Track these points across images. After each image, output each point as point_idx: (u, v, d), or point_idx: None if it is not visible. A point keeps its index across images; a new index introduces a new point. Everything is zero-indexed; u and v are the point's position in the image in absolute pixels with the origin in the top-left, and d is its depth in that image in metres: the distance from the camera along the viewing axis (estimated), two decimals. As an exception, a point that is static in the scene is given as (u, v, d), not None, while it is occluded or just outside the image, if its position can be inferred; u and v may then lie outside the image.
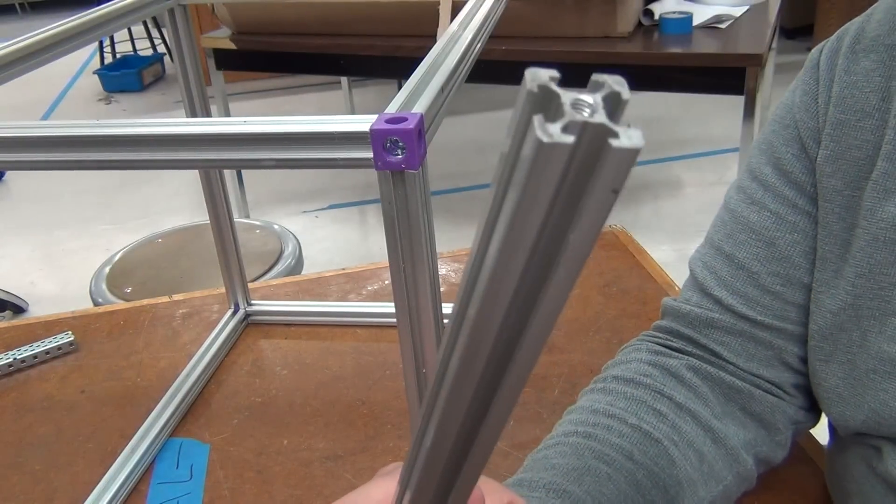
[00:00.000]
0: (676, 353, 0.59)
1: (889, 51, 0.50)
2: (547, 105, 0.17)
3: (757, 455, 0.56)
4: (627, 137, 0.16)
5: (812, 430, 0.63)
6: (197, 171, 0.79)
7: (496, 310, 0.20)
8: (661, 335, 0.61)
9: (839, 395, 0.51)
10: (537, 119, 0.16)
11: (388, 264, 0.41)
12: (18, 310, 2.55)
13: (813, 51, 0.56)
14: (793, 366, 0.56)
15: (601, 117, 0.17)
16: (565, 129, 0.16)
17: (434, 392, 0.23)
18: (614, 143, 0.16)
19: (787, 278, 0.55)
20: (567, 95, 0.17)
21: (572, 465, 0.50)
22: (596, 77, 0.18)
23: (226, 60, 2.53)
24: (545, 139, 0.16)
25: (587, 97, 0.17)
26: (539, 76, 0.17)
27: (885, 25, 0.50)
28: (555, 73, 0.17)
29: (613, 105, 0.17)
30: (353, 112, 3.67)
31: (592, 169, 0.17)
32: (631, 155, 0.16)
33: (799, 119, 0.54)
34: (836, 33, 0.54)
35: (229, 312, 0.91)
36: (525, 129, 0.17)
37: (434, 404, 0.23)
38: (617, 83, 0.17)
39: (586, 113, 0.17)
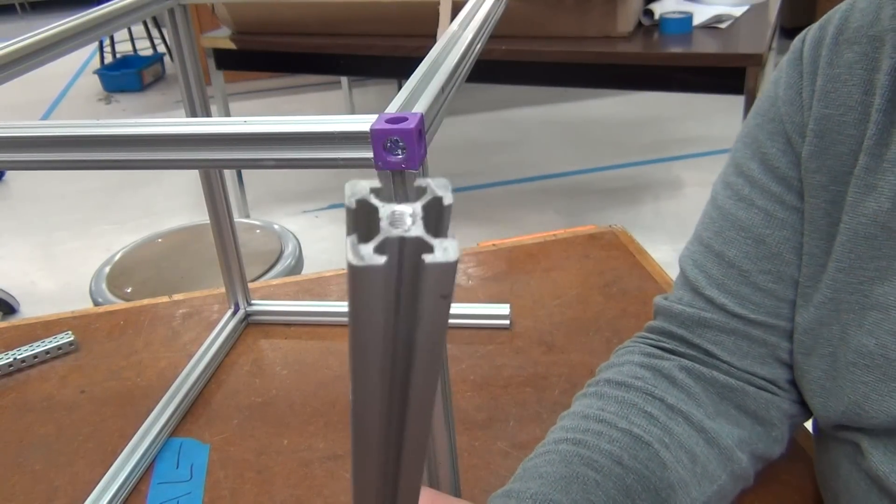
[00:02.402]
0: (669, 355, 0.59)
1: (872, 42, 0.49)
2: (368, 219, 0.17)
3: (753, 452, 0.56)
4: (442, 251, 0.16)
5: (810, 427, 0.63)
6: (197, 171, 0.79)
7: (370, 410, 0.20)
8: (653, 336, 0.61)
9: (821, 386, 0.52)
10: (349, 241, 0.16)
11: (388, 264, 0.41)
12: (10, 309, 2.55)
13: (796, 40, 0.55)
14: (786, 362, 0.56)
15: (418, 230, 0.16)
16: (379, 249, 0.16)
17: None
18: (427, 258, 0.16)
19: (779, 275, 0.55)
20: (385, 209, 0.16)
21: (560, 474, 0.49)
22: (420, 182, 0.17)
23: (226, 60, 2.53)
24: (356, 262, 0.15)
25: (406, 207, 0.17)
26: (358, 189, 0.17)
27: (868, 15, 0.50)
28: (375, 183, 0.17)
29: (436, 212, 0.17)
30: (353, 112, 3.67)
31: (419, 277, 0.17)
32: (447, 268, 0.16)
33: (784, 113, 0.54)
34: (819, 21, 0.54)
35: (229, 312, 0.91)
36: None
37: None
38: (440, 187, 0.17)
39: (407, 224, 0.17)
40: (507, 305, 0.89)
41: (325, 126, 0.38)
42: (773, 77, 0.57)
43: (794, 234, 0.54)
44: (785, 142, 0.54)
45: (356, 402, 0.20)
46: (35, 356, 0.87)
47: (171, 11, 0.73)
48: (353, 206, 0.17)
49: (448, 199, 0.17)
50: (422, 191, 0.17)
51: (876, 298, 0.48)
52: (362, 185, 0.17)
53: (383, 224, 0.16)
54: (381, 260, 0.16)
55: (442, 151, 3.39)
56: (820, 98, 0.51)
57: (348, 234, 0.16)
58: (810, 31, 0.54)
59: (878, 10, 0.49)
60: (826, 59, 0.51)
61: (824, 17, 0.53)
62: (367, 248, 0.16)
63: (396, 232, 0.16)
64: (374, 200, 0.17)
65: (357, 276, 0.16)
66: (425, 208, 0.17)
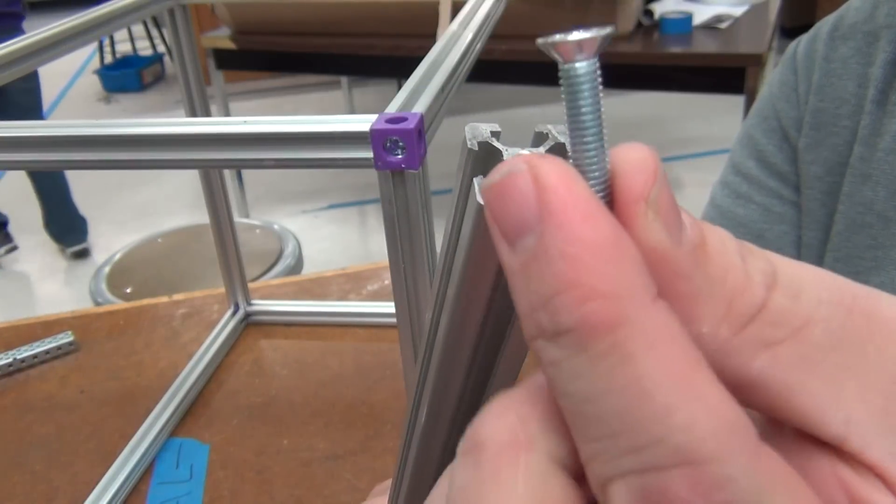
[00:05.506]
0: None
1: (866, 38, 0.50)
2: (489, 163, 0.17)
3: None
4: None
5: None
6: (197, 171, 0.79)
7: (455, 371, 0.20)
8: None
9: None
10: (477, 181, 0.16)
11: (388, 264, 0.41)
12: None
13: (790, 44, 0.57)
14: None
15: None
16: None
17: (420, 385, 0.23)
18: None
19: None
20: (509, 152, 0.17)
21: None
22: (539, 128, 0.17)
23: (226, 60, 2.53)
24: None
25: (530, 152, 0.17)
26: (479, 132, 0.17)
27: (862, 13, 0.51)
28: (495, 127, 0.17)
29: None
30: (353, 112, 3.67)
31: None
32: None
33: (780, 109, 0.55)
34: (813, 27, 0.55)
35: (229, 312, 0.91)
36: (467, 193, 0.17)
37: (421, 397, 0.23)
38: (561, 133, 0.17)
39: None
40: (507, 305, 0.89)
41: (325, 126, 0.39)
42: (768, 80, 0.58)
43: (793, 228, 0.55)
44: (781, 137, 0.55)
45: (444, 363, 0.20)
46: (35, 356, 0.87)
47: (171, 11, 0.73)
48: (476, 147, 0.17)
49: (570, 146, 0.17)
50: (543, 137, 0.17)
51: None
52: (483, 128, 0.17)
53: None
54: None
55: (442, 151, 3.39)
56: (815, 92, 0.53)
57: (474, 175, 0.16)
58: (804, 36, 0.56)
59: (874, 9, 0.51)
60: (822, 55, 0.53)
61: (818, 23, 0.55)
62: None
63: None
64: (497, 143, 0.17)
65: (483, 219, 0.16)
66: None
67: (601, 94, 0.15)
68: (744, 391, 0.14)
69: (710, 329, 0.14)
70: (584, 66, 0.15)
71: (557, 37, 0.14)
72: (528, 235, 0.13)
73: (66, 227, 2.85)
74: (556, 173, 0.14)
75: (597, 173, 0.15)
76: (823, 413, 0.14)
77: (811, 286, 0.15)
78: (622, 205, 0.14)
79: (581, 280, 0.13)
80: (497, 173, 0.14)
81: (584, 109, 0.15)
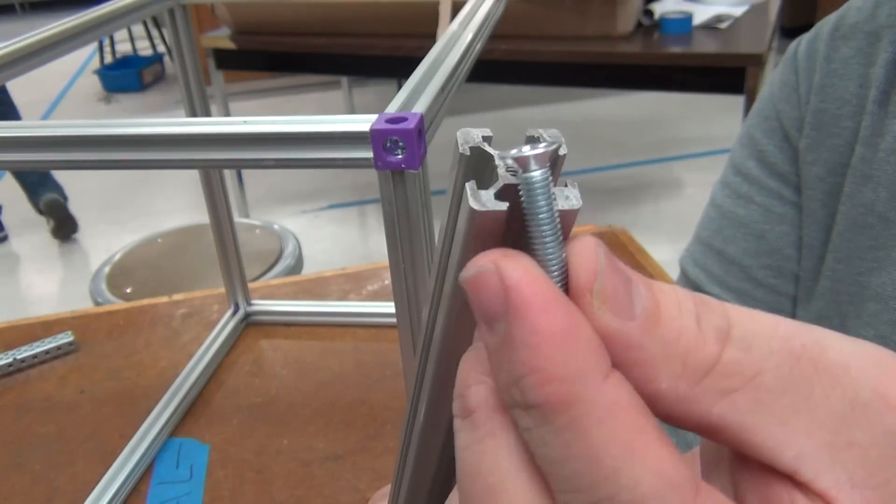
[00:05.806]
0: None
1: (867, 38, 0.50)
2: (481, 167, 0.17)
3: None
4: (564, 198, 0.16)
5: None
6: (197, 171, 0.79)
7: (452, 368, 0.20)
8: None
9: None
10: (469, 186, 0.16)
11: (388, 264, 0.41)
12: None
13: (791, 44, 0.56)
14: None
15: None
16: (499, 195, 0.16)
17: (415, 396, 0.23)
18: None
19: (779, 270, 0.55)
20: (500, 157, 0.17)
21: None
22: (531, 132, 0.17)
23: (226, 60, 2.53)
24: (477, 207, 0.16)
25: None
26: (470, 137, 0.17)
27: (864, 13, 0.51)
28: (487, 131, 0.17)
29: (550, 162, 0.17)
30: (353, 112, 3.67)
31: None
32: (569, 215, 0.16)
33: (781, 109, 0.55)
34: (814, 26, 0.55)
35: (229, 312, 0.91)
36: (460, 197, 0.17)
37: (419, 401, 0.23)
38: (553, 138, 0.17)
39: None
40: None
41: (325, 126, 0.39)
42: (769, 80, 0.58)
43: (793, 228, 0.55)
44: (782, 138, 0.55)
45: (441, 360, 0.20)
46: (35, 356, 0.87)
47: (171, 11, 0.73)
48: (468, 153, 0.17)
49: (563, 150, 0.17)
50: (534, 140, 0.17)
51: (874, 289, 0.48)
52: (474, 133, 0.17)
53: (500, 171, 0.16)
54: (504, 206, 0.16)
55: (442, 151, 3.38)
56: (817, 92, 0.52)
57: (466, 180, 0.16)
58: (805, 36, 0.56)
59: (875, 8, 0.50)
60: (823, 55, 0.52)
61: (818, 23, 0.55)
62: (488, 194, 0.16)
63: (514, 179, 0.16)
64: (488, 148, 0.17)
65: (476, 223, 0.16)
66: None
67: (555, 197, 0.16)
68: (709, 431, 0.16)
69: (669, 385, 0.16)
70: (538, 175, 0.16)
71: (514, 151, 0.16)
72: (501, 322, 0.15)
73: (42, 183, 2.88)
74: (519, 272, 0.15)
75: (556, 264, 0.16)
76: (777, 449, 0.16)
77: (763, 337, 0.16)
78: (574, 295, 0.16)
79: (541, 366, 0.15)
80: (471, 269, 0.16)
81: (541, 209, 0.16)
